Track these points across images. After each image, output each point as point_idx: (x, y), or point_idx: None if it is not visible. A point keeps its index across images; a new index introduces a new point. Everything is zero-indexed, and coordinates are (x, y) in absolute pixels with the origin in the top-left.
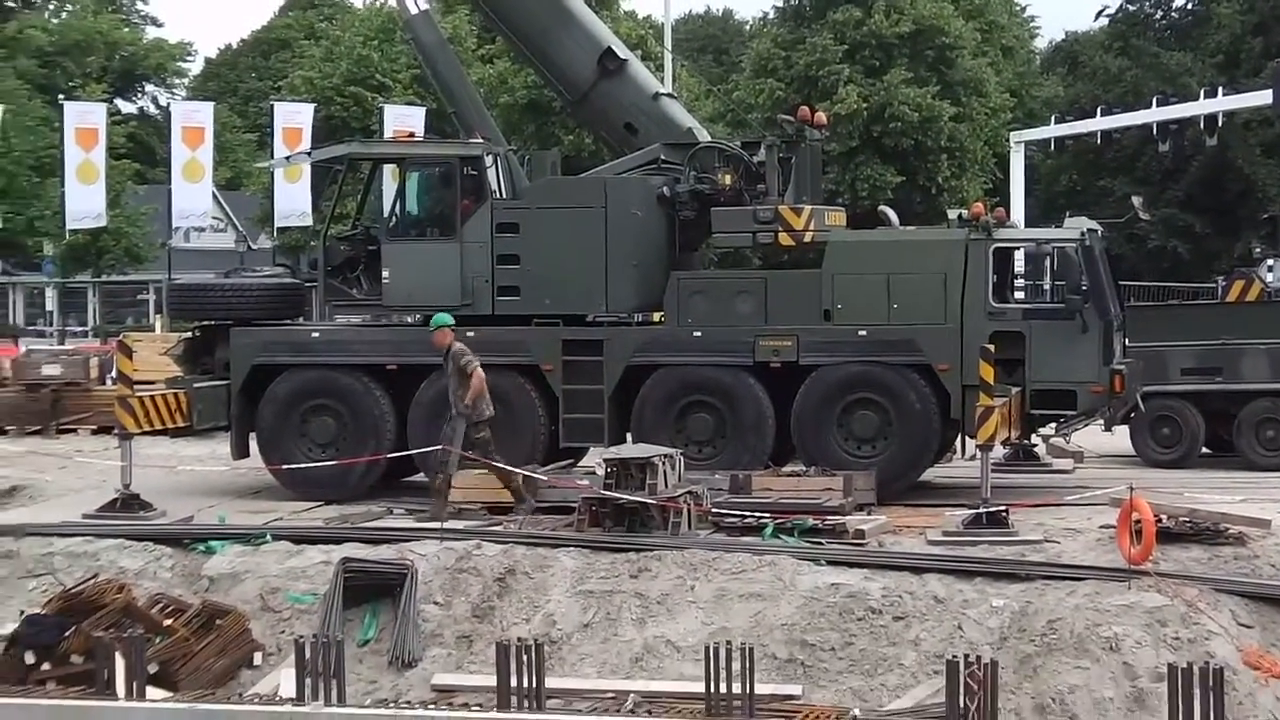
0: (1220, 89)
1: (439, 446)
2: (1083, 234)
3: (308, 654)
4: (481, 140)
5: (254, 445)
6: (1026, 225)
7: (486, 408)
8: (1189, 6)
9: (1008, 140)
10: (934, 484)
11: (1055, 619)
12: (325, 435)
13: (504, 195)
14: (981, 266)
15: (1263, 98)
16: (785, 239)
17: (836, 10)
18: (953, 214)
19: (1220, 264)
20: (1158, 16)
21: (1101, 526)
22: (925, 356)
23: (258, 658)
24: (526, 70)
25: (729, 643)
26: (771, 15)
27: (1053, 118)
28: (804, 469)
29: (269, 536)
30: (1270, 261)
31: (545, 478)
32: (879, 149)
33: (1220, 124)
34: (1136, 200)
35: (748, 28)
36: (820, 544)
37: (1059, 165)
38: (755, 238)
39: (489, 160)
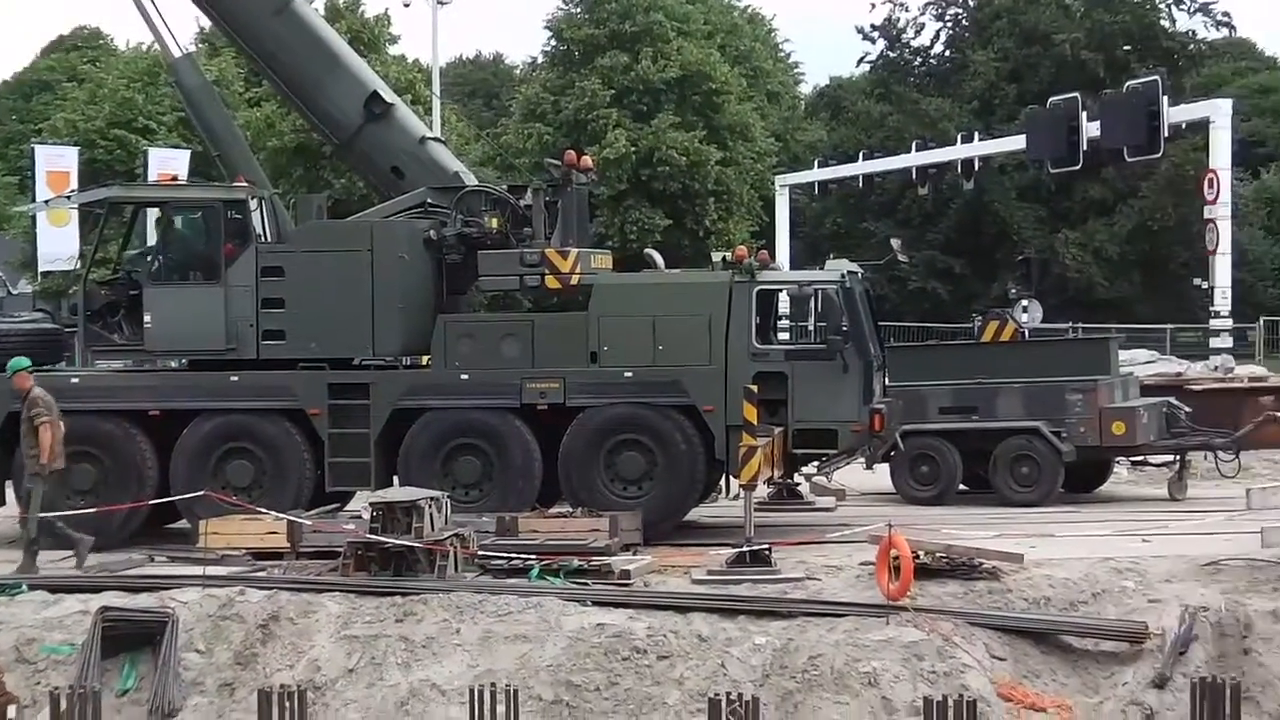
0: (977, 134)
1: (201, 492)
2: (843, 276)
3: (63, 705)
4: (246, 184)
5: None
6: (792, 267)
7: (57, 460)
8: (947, 54)
9: (773, 184)
10: (700, 523)
11: (816, 655)
12: (85, 482)
13: (269, 239)
14: (745, 308)
15: (1017, 143)
16: (552, 282)
17: (605, 56)
18: (717, 257)
19: (979, 305)
20: (917, 63)
21: (862, 563)
22: (690, 398)
23: (12, 711)
24: (294, 114)
25: (494, 685)
26: (541, 60)
27: (816, 162)
28: (571, 510)
29: (24, 586)
30: (1024, 302)
31: (310, 523)
32: (647, 192)
33: (977, 168)
34: (895, 242)
35: (517, 72)
36: (586, 584)
37: (823, 208)
38: (522, 281)
39: (254, 204)
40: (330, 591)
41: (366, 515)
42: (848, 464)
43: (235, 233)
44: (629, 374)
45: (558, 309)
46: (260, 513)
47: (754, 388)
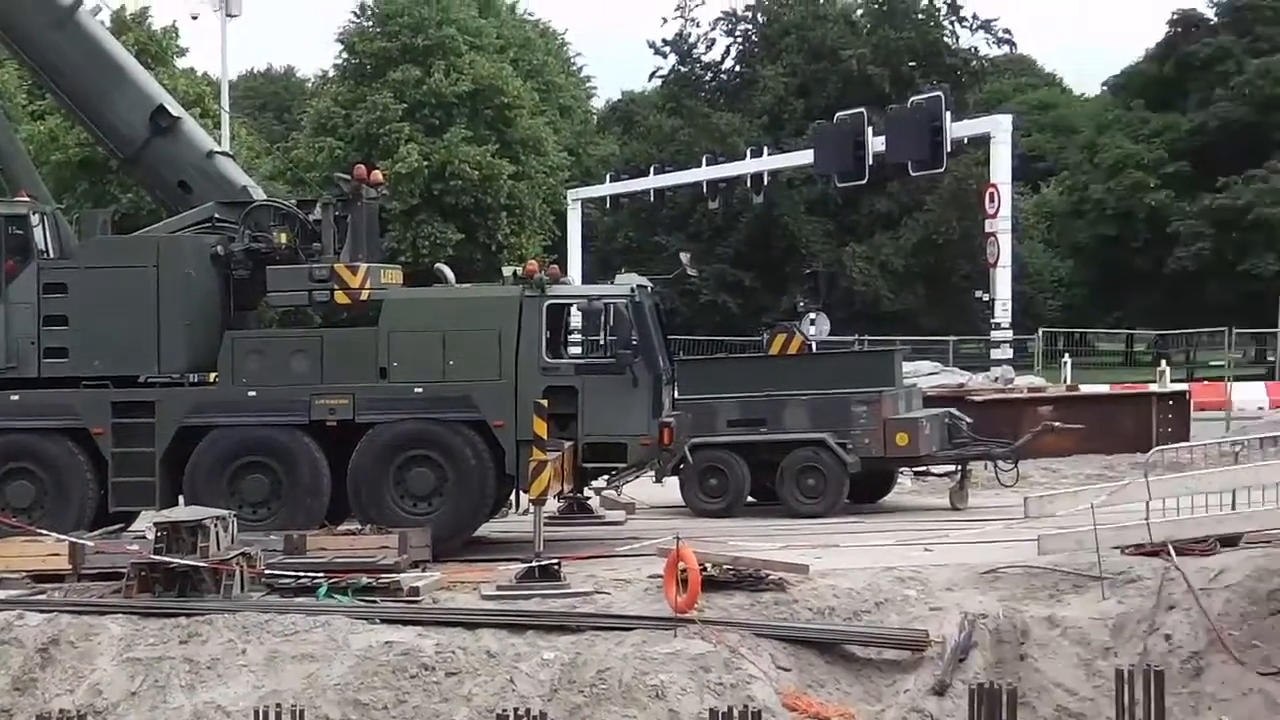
0: (766, 149)
1: None
2: (633, 290)
3: None
4: (28, 198)
5: None
6: (585, 281)
7: None
8: (737, 69)
9: (565, 198)
10: (490, 539)
11: (604, 669)
12: None
13: (52, 254)
14: (535, 323)
15: (805, 157)
16: (341, 297)
17: (396, 69)
18: (508, 271)
19: (769, 318)
20: (708, 78)
21: (650, 576)
22: (480, 413)
23: None
24: (79, 127)
25: (280, 705)
26: (332, 73)
27: (608, 176)
28: (360, 528)
29: None
30: (812, 315)
31: (93, 544)
32: (440, 207)
33: (766, 183)
34: (684, 256)
35: (309, 86)
36: (374, 602)
37: (615, 222)
38: (311, 296)
39: (36, 219)
40: (113, 614)
41: (151, 535)
42: (637, 477)
43: (16, 248)
44: (419, 390)
45: (348, 324)
46: (41, 534)
47: (544, 402)
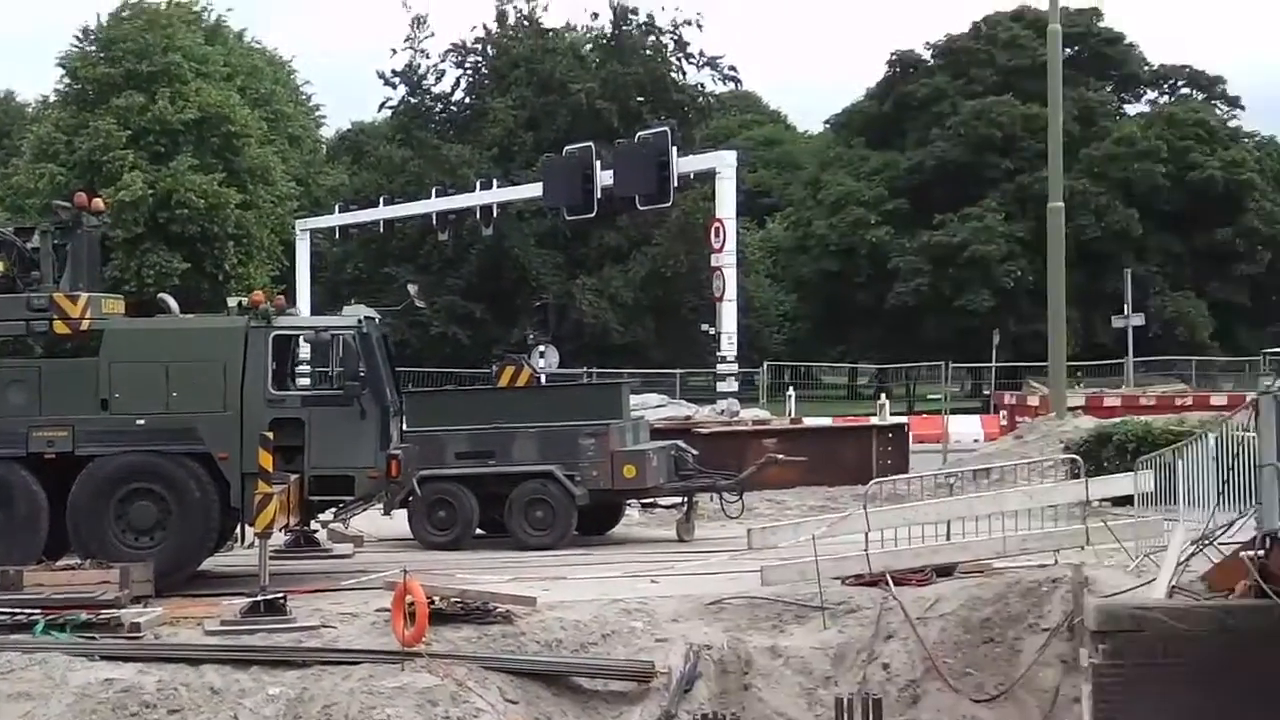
0: (495, 181)
1: None
2: (360, 321)
3: None
4: None
5: None
6: (314, 312)
7: None
8: (466, 101)
9: (294, 228)
10: (215, 573)
11: (331, 704)
12: None
13: None
14: (261, 354)
15: (534, 190)
16: (60, 327)
17: (120, 95)
18: (233, 301)
19: (499, 350)
20: (438, 110)
21: (378, 610)
22: (205, 445)
23: None
24: None
25: None
26: (54, 99)
27: (338, 206)
28: (79, 562)
29: None
30: (542, 348)
31: None
32: (165, 235)
33: (496, 215)
34: (412, 288)
35: (29, 110)
36: (94, 639)
37: (345, 253)
38: (29, 326)
39: None
40: None
41: None
42: (365, 510)
43: None
44: (141, 421)
45: (70, 355)
46: None
47: (269, 434)
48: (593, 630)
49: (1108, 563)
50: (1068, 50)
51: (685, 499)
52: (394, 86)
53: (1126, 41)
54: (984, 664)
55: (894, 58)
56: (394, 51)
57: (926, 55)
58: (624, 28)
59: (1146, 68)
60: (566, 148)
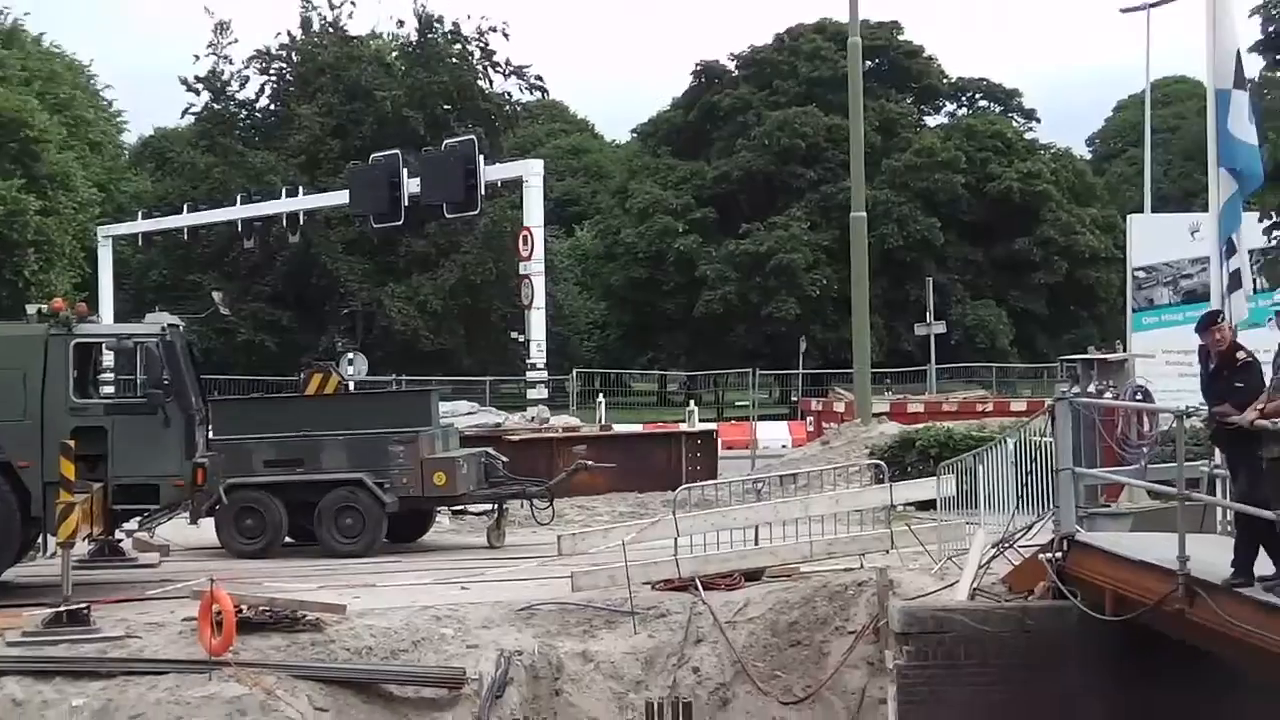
0: (301, 188)
1: None
2: (164, 329)
3: None
4: None
5: None
6: (118, 320)
7: None
8: (272, 108)
9: (95, 235)
10: (16, 584)
11: (137, 714)
12: None
13: None
14: (62, 362)
15: (340, 197)
16: None
17: None
18: (32, 309)
19: (307, 357)
20: (242, 116)
21: (185, 619)
22: (5, 454)
23: None
24: None
25: None
26: None
27: (141, 213)
28: None
29: None
30: (350, 355)
31: None
32: None
33: (303, 221)
34: (217, 295)
35: None
36: None
37: (149, 260)
38: None
39: None
40: None
41: None
42: (170, 519)
43: None
44: None
45: None
46: None
47: (71, 443)
48: (403, 637)
49: (912, 566)
50: (869, 62)
51: (495, 506)
52: (197, 93)
53: (926, 55)
54: (792, 666)
55: (699, 68)
56: (197, 58)
57: (731, 66)
58: (429, 35)
59: (945, 80)
60: (373, 155)
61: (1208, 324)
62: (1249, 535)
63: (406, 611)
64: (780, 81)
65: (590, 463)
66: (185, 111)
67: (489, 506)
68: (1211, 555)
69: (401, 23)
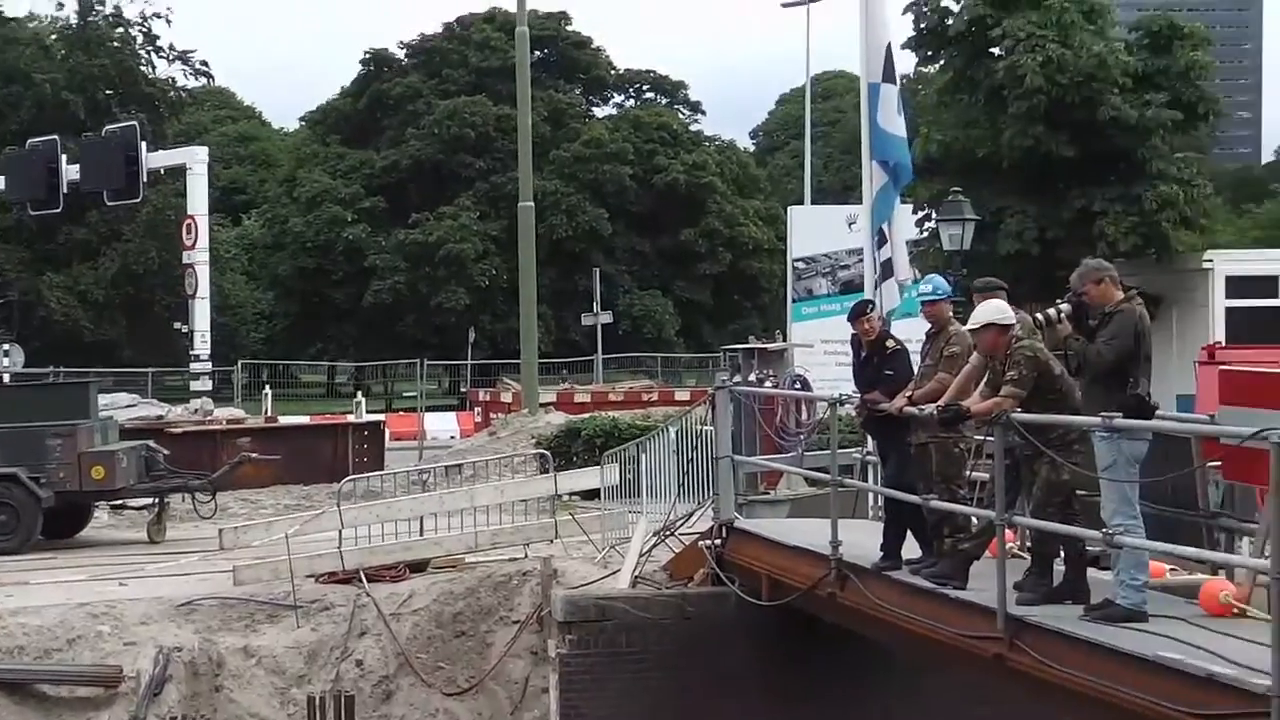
0: None
1: None
2: None
3: None
4: None
5: None
6: None
7: None
8: None
9: None
10: None
11: None
12: None
13: None
14: None
15: None
16: None
17: None
18: None
19: None
20: None
21: None
22: None
23: None
24: None
25: None
26: None
27: None
28: None
29: None
30: (6, 346)
31: None
32: None
33: None
34: None
35: None
36: None
37: None
38: None
39: None
40: None
41: None
42: None
43: None
44: None
45: None
46: None
47: None
48: (57, 635)
49: (576, 555)
50: (538, 53)
51: (156, 500)
52: None
53: (594, 46)
54: (456, 657)
55: (368, 56)
56: None
57: (401, 55)
58: (90, 19)
59: (614, 72)
60: (30, 140)
61: (858, 314)
62: (897, 520)
63: (61, 609)
64: (450, 71)
65: (254, 455)
66: None
67: (149, 501)
68: (864, 540)
69: (61, 4)
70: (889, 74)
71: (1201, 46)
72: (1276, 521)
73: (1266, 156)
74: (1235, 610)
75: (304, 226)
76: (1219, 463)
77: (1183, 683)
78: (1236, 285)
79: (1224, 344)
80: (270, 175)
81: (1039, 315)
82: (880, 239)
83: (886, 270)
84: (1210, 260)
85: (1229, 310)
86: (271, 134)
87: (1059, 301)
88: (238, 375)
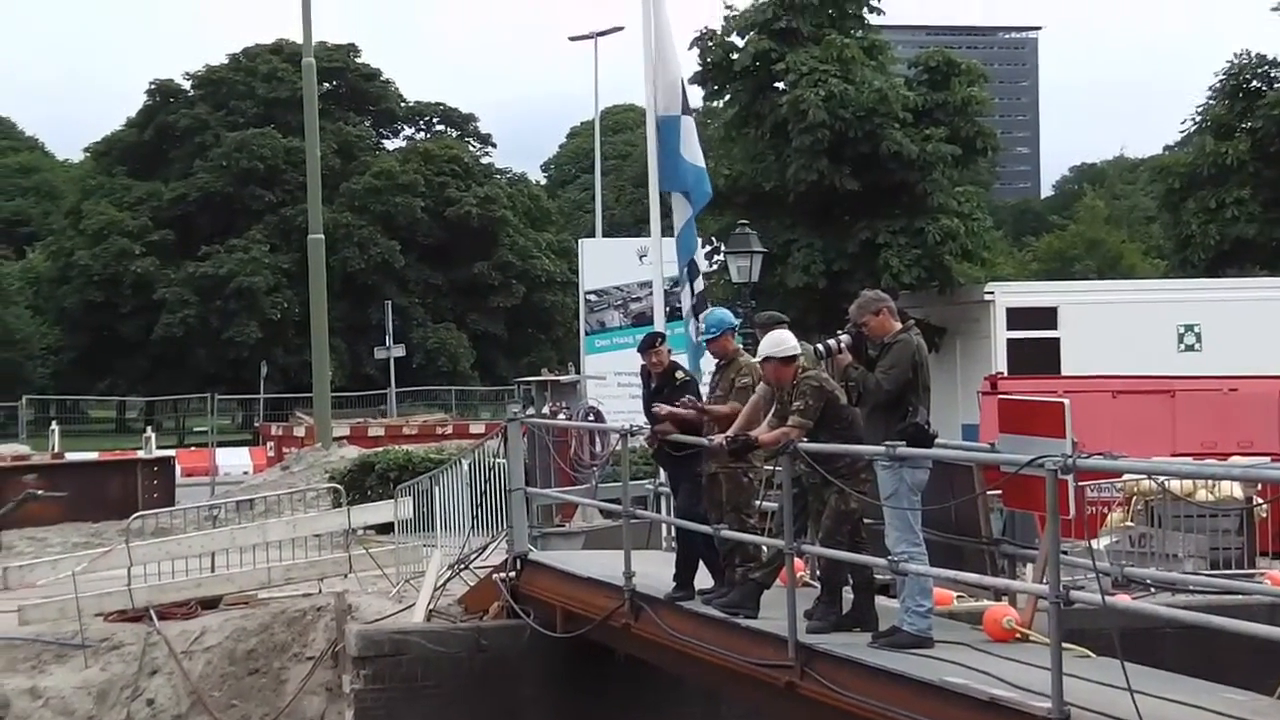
0: None
1: None
2: None
3: None
4: None
5: None
6: None
7: None
8: None
9: None
10: None
11: None
12: None
13: None
14: None
15: None
16: None
17: None
18: None
19: None
20: None
21: None
22: None
23: None
24: None
25: None
26: None
27: None
28: None
29: None
30: None
31: None
32: None
33: None
34: None
35: None
36: None
37: None
38: None
39: None
40: None
41: None
42: None
43: None
44: None
45: None
46: None
47: None
48: None
49: (371, 590)
50: (326, 85)
51: None
52: None
53: (384, 78)
54: (250, 695)
55: (154, 86)
56: None
57: (187, 85)
58: None
59: (403, 104)
60: None
61: (648, 345)
62: (689, 550)
63: None
64: (238, 102)
65: (41, 492)
66: None
67: None
68: (658, 571)
69: None
70: (685, 106)
71: (978, 82)
72: (1054, 547)
73: (1045, 191)
74: (1018, 635)
75: (91, 259)
76: (999, 491)
77: (968, 706)
78: (1017, 316)
79: (1006, 374)
80: (55, 207)
81: (819, 346)
82: (692, 270)
83: (702, 302)
84: (991, 292)
85: (1010, 342)
86: (55, 165)
87: (839, 332)
88: (22, 411)
